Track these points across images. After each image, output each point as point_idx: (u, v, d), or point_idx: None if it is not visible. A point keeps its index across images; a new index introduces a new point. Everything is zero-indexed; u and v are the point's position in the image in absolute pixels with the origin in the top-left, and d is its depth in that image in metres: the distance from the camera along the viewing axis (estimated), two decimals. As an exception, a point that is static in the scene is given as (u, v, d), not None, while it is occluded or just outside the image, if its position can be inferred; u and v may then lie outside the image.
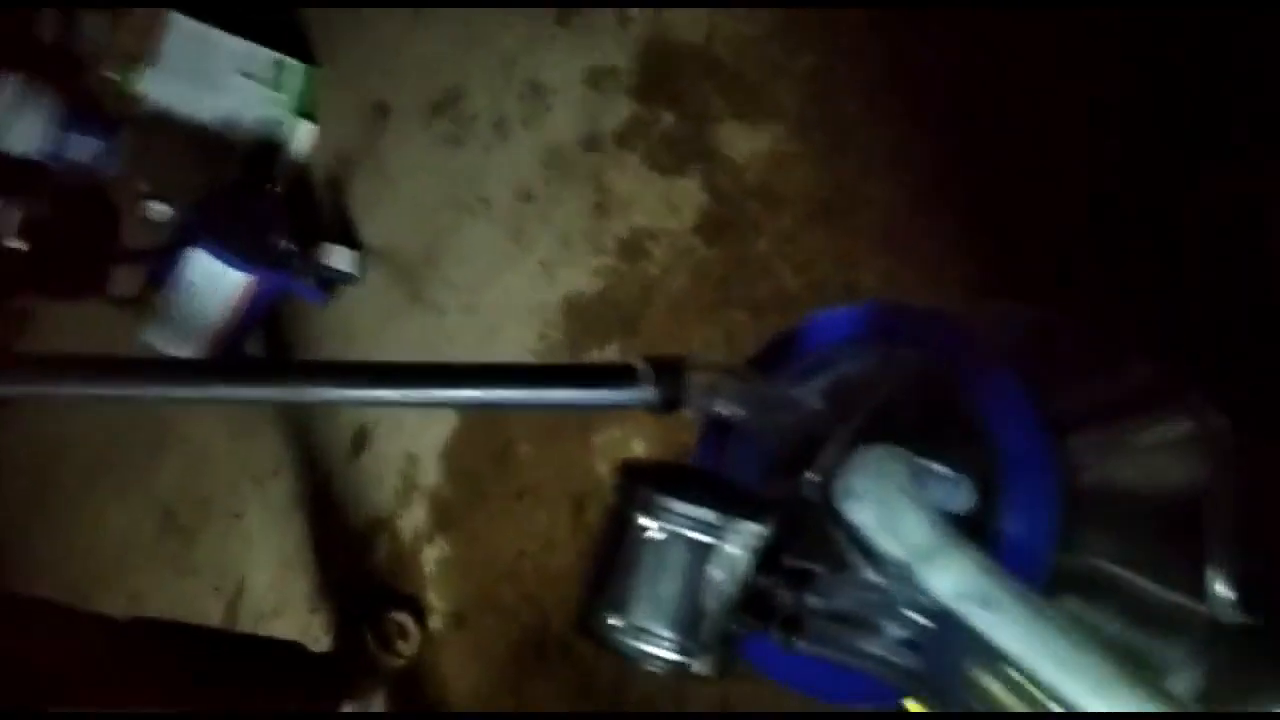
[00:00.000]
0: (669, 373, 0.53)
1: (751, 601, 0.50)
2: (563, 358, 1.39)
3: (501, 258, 1.54)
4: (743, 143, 1.24)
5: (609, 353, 1.34)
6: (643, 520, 0.49)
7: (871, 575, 0.52)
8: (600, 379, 0.53)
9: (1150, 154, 0.94)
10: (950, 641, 0.48)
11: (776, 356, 0.61)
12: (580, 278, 1.41)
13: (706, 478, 0.54)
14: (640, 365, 0.53)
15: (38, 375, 0.53)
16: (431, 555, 1.51)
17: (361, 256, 1.82)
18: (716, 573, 0.49)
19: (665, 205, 1.31)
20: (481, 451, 1.47)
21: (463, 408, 1.40)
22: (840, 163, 1.15)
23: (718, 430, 0.62)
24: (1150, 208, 0.93)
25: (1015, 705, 0.46)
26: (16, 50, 1.94)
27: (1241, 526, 0.58)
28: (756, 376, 0.58)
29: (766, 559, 0.51)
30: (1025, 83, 1.03)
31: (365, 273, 1.81)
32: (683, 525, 0.49)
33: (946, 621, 0.46)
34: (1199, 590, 0.57)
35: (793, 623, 0.51)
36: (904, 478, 0.48)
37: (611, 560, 0.50)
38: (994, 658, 0.45)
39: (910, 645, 0.51)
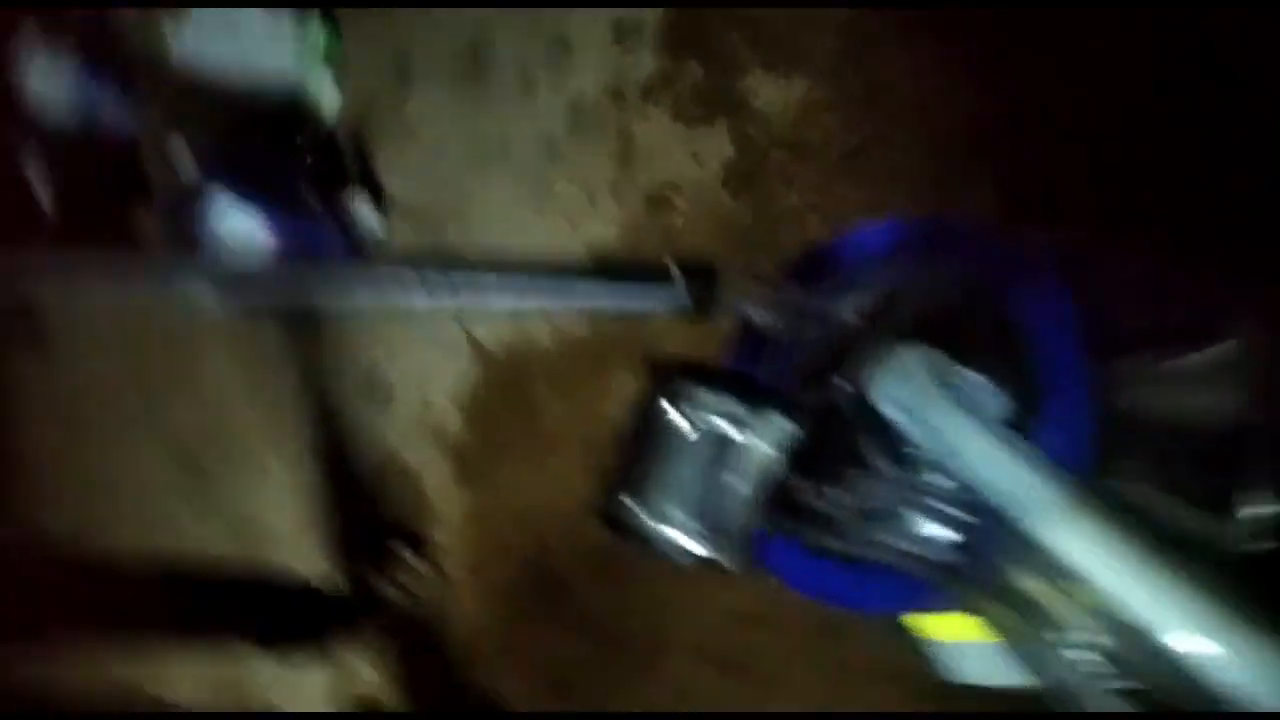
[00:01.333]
0: (703, 276, 0.52)
1: (781, 500, 0.50)
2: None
3: (526, 212, 1.53)
4: (771, 93, 1.22)
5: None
6: (669, 408, 0.48)
7: (903, 475, 0.51)
8: (630, 276, 0.52)
9: (1203, 79, 0.91)
10: (989, 536, 0.48)
11: (810, 270, 0.60)
12: (603, 230, 1.40)
13: (736, 375, 0.53)
14: (673, 266, 0.52)
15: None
16: (448, 499, 1.52)
17: (387, 213, 1.82)
18: (743, 465, 0.49)
19: (691, 158, 1.30)
20: (499, 398, 1.48)
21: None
22: (871, 112, 1.13)
23: (748, 342, 0.61)
24: (1205, 138, 0.91)
25: (1055, 601, 0.46)
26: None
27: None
28: (792, 287, 0.57)
29: (795, 460, 0.50)
30: (1065, 25, 1.01)
31: (391, 229, 1.81)
32: (710, 415, 0.48)
33: (987, 515, 0.45)
34: (1228, 516, 0.57)
35: (823, 520, 0.50)
36: (938, 375, 0.47)
37: (637, 450, 0.49)
38: (1035, 553, 0.44)
39: (945, 541, 0.51)
